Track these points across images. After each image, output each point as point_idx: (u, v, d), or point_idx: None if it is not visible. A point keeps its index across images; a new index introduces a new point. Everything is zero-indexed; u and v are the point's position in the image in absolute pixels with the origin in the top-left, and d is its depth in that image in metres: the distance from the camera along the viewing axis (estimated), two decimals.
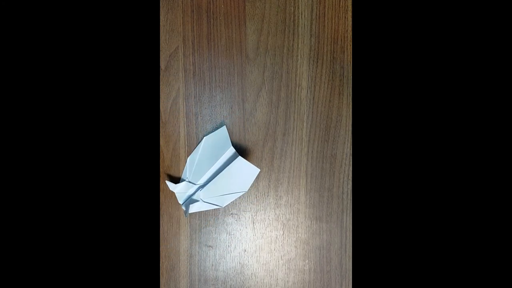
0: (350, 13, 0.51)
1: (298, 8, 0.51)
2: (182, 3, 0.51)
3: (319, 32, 0.51)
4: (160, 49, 0.51)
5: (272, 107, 0.52)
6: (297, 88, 0.52)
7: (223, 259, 0.53)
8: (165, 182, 0.51)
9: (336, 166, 0.52)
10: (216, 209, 0.52)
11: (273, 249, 0.53)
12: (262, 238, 0.53)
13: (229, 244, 0.53)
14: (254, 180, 0.51)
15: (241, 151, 0.52)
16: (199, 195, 0.50)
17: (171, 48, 0.51)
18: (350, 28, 0.51)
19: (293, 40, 0.51)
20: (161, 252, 0.52)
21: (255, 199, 0.52)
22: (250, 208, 0.52)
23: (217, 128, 0.51)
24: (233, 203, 0.52)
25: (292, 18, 0.51)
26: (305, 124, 0.52)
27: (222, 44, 0.51)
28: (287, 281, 0.53)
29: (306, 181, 0.52)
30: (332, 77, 0.52)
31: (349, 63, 0.51)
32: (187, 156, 0.52)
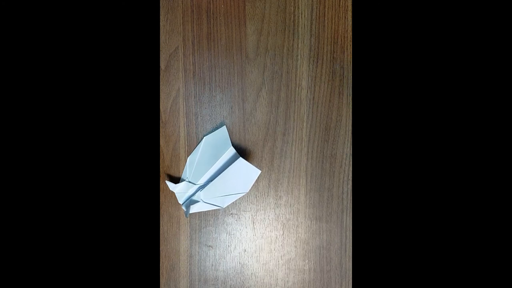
0: (350, 13, 0.51)
1: (298, 8, 0.51)
2: (182, 3, 0.51)
3: (319, 32, 0.51)
4: (160, 49, 0.51)
5: (272, 107, 0.52)
6: (297, 88, 0.52)
7: (223, 259, 0.53)
8: (165, 182, 0.51)
9: (336, 166, 0.52)
10: (216, 209, 0.52)
11: (273, 249, 0.53)
12: (262, 238, 0.53)
13: (229, 244, 0.53)
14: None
15: (241, 151, 0.52)
16: (200, 195, 0.50)
17: (171, 48, 0.51)
18: (350, 28, 0.51)
19: (293, 40, 0.51)
20: (161, 252, 0.52)
21: (255, 199, 0.52)
22: (250, 208, 0.52)
23: (217, 128, 0.51)
24: (233, 203, 0.52)
25: (292, 18, 0.51)
26: (305, 124, 0.52)
27: (222, 44, 0.51)
28: (287, 281, 0.53)
29: (306, 181, 0.52)
30: (332, 77, 0.52)
31: (349, 63, 0.51)
32: (187, 156, 0.52)
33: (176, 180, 0.52)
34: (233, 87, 0.52)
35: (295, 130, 0.52)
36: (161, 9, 0.51)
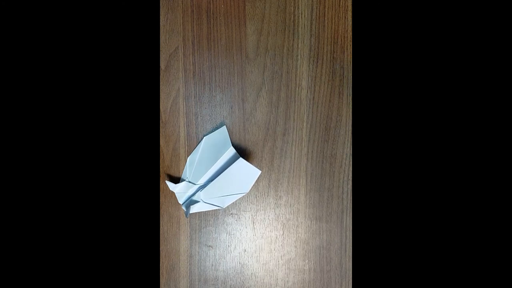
0: (350, 13, 0.51)
1: (298, 8, 0.51)
2: (182, 3, 0.51)
3: (319, 32, 0.51)
4: (160, 49, 0.51)
5: (272, 107, 0.52)
6: (297, 88, 0.52)
7: (223, 259, 0.53)
8: (165, 182, 0.51)
9: (336, 166, 0.52)
10: (216, 209, 0.52)
11: (273, 249, 0.53)
12: (262, 238, 0.53)
13: (229, 244, 0.53)
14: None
15: (241, 151, 0.52)
16: (200, 195, 0.50)
17: (171, 48, 0.51)
18: (350, 28, 0.51)
19: (293, 40, 0.51)
20: (161, 252, 0.52)
21: (255, 199, 0.52)
22: (250, 208, 0.52)
23: (217, 128, 0.51)
24: (233, 203, 0.52)
25: (292, 18, 0.51)
26: (305, 124, 0.52)
27: (222, 44, 0.51)
28: (287, 281, 0.53)
29: (306, 181, 0.52)
30: (332, 77, 0.52)
31: (349, 63, 0.51)
32: (187, 156, 0.52)
33: (176, 180, 0.52)
34: (233, 87, 0.52)
35: (295, 130, 0.52)
36: (161, 9, 0.51)
